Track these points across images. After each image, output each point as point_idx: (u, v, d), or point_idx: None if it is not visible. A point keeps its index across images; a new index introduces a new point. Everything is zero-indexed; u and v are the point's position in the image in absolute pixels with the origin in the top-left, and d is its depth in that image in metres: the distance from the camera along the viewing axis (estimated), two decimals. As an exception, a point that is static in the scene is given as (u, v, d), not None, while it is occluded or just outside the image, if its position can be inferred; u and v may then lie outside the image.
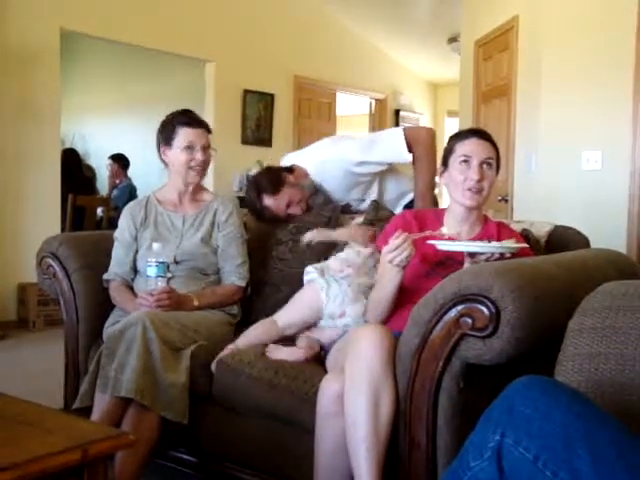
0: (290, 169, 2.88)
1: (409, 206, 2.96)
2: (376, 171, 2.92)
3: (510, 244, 1.95)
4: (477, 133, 2.16)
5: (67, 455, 1.23)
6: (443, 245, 1.95)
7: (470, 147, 2.10)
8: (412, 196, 2.96)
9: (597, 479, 1.04)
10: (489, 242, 1.97)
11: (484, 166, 2.08)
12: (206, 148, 2.57)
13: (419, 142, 2.85)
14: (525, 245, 2.01)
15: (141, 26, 5.60)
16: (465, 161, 2.08)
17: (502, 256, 1.91)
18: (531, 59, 4.41)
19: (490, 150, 2.12)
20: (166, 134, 2.58)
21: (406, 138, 2.81)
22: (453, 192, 2.13)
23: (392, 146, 2.84)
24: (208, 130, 2.61)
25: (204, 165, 2.58)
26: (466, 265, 1.95)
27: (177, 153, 2.55)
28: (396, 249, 1.88)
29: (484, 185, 2.08)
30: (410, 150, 2.82)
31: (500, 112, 4.95)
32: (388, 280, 1.99)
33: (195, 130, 2.55)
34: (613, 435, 1.09)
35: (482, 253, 1.92)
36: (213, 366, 2.21)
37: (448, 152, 2.15)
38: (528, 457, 1.09)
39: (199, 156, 2.54)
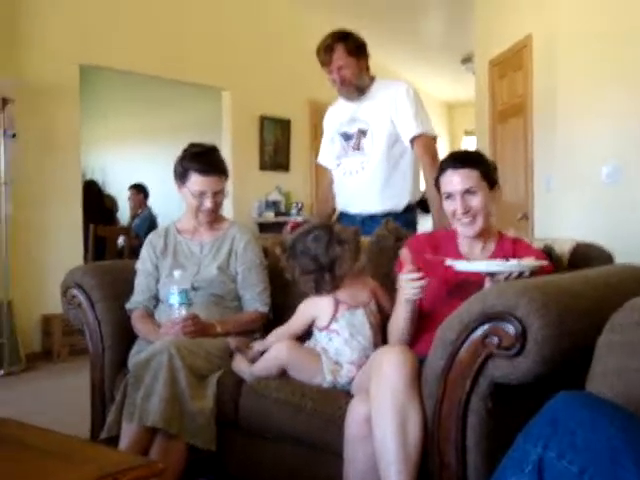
0: None
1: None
2: (393, 130, 3.02)
3: (530, 262, 1.90)
4: (452, 162, 2.10)
5: (99, 485, 1.24)
6: (461, 266, 1.93)
7: (448, 181, 2.08)
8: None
9: None
10: (507, 260, 1.93)
11: (466, 196, 2.05)
12: (218, 193, 2.56)
13: (431, 151, 3.00)
14: (545, 262, 1.96)
15: (157, 57, 5.67)
16: (448, 196, 2.09)
17: (521, 275, 1.86)
18: (546, 76, 4.41)
19: (468, 176, 2.05)
20: (180, 174, 2.57)
21: (425, 141, 2.98)
22: (452, 223, 2.14)
23: (419, 119, 2.99)
24: (223, 173, 2.58)
25: (214, 209, 2.58)
26: (487, 285, 1.91)
27: (189, 195, 2.56)
28: (407, 282, 1.93)
29: (474, 213, 2.06)
30: (420, 155, 2.98)
31: (517, 130, 4.95)
32: (401, 307, 2.03)
33: (207, 178, 2.52)
34: None
35: (501, 272, 1.88)
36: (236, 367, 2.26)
37: (438, 186, 2.15)
38: (573, 470, 1.08)
39: (208, 203, 2.54)
